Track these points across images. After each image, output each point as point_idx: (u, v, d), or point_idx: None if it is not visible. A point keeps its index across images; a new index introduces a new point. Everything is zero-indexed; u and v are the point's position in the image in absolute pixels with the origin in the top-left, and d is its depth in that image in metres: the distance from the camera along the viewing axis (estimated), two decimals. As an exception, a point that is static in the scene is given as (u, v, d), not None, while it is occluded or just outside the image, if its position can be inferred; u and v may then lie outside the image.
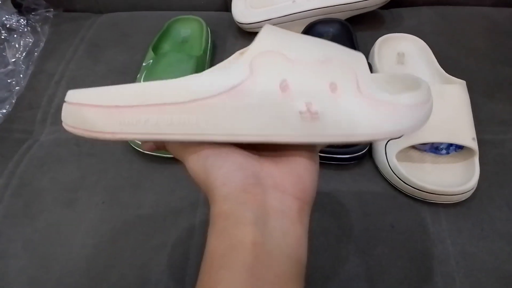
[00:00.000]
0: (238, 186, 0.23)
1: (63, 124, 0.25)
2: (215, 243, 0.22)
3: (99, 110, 0.24)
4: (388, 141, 0.46)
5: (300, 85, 0.23)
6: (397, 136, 0.24)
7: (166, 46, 0.59)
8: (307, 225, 0.24)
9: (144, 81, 0.50)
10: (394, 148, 0.45)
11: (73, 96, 0.25)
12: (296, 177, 0.25)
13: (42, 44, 0.62)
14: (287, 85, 0.23)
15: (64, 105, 0.25)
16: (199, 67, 0.51)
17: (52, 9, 0.66)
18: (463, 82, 0.49)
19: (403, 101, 0.24)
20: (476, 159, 0.45)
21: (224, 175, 0.24)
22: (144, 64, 0.54)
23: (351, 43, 0.57)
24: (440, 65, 0.54)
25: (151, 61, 0.53)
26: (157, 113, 0.24)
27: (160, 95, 0.24)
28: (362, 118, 0.23)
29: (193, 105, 0.23)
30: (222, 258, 0.22)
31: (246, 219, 0.22)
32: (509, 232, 0.43)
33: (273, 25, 0.26)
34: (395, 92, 0.25)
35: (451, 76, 0.51)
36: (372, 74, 0.28)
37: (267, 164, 0.25)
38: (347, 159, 0.47)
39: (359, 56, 0.26)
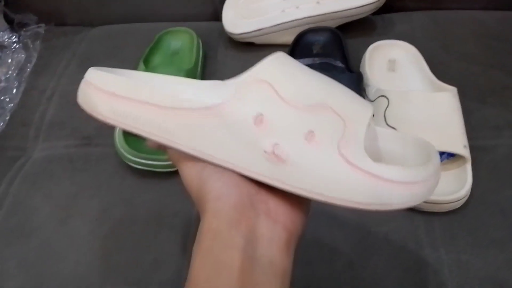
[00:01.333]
0: (232, 203, 0.23)
1: (77, 99, 0.27)
2: (200, 265, 0.22)
3: (99, 94, 0.26)
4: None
5: (275, 123, 0.23)
6: (373, 210, 0.22)
7: (157, 59, 0.59)
8: (292, 258, 0.24)
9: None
10: (386, 157, 0.45)
11: (89, 74, 0.27)
12: (289, 208, 0.24)
13: (34, 60, 0.62)
14: (262, 119, 0.23)
15: (82, 81, 0.27)
16: (190, 81, 0.51)
17: (43, 25, 0.66)
18: (454, 89, 0.49)
19: (387, 175, 0.21)
20: (469, 167, 0.45)
21: (220, 189, 0.23)
22: (135, 78, 0.54)
23: (342, 52, 0.57)
24: (432, 71, 0.54)
25: (142, 75, 0.53)
26: (143, 110, 0.24)
27: (149, 93, 0.24)
28: (332, 179, 0.21)
29: (172, 113, 0.24)
30: (207, 283, 0.21)
31: (235, 243, 0.22)
32: (503, 240, 0.42)
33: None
34: (393, 156, 0.23)
35: (443, 83, 0.51)
36: (380, 129, 0.26)
37: (263, 189, 0.25)
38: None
39: (365, 108, 0.24)
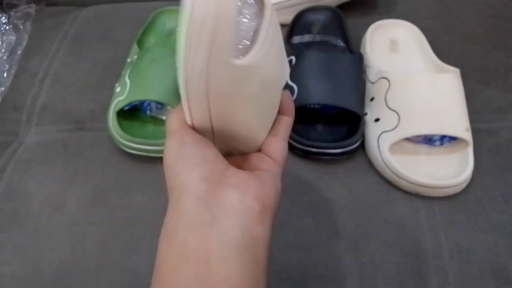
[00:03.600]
0: (200, 177, 0.23)
1: None
2: (166, 250, 0.22)
3: None
4: (380, 134, 0.45)
5: None
6: None
7: (151, 40, 0.57)
8: (269, 230, 0.24)
9: (129, 78, 0.49)
10: (387, 141, 0.44)
11: None
12: (260, 181, 0.25)
13: (25, 42, 0.60)
14: None
15: None
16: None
17: (33, 5, 0.64)
18: (457, 70, 0.47)
19: None
20: (470, 150, 0.44)
21: (190, 165, 0.24)
22: (128, 60, 0.53)
23: (342, 32, 0.55)
24: (435, 51, 0.52)
25: (136, 56, 0.51)
26: None
27: None
28: None
29: None
30: (173, 272, 0.21)
31: (203, 219, 0.22)
32: (503, 224, 0.42)
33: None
34: None
35: (445, 64, 0.49)
36: None
37: (233, 168, 0.25)
38: (340, 154, 0.46)
39: None
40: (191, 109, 0.25)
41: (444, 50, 0.53)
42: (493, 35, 0.57)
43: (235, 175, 0.25)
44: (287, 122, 0.29)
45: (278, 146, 0.28)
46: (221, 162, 0.25)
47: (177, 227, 0.22)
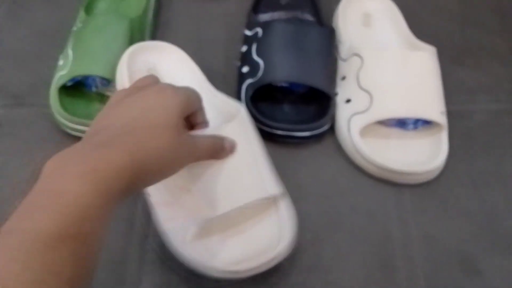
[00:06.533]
0: None
1: None
2: None
3: None
4: (351, 116, 0.42)
5: None
6: None
7: (101, 5, 0.51)
8: None
9: (72, 49, 0.43)
10: (358, 124, 0.41)
11: None
12: None
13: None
14: None
15: None
16: (136, 30, 0.44)
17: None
18: (433, 49, 0.44)
19: None
20: (445, 135, 0.42)
21: None
22: (74, 28, 0.46)
23: (313, 3, 0.51)
24: (409, 27, 0.49)
25: (81, 25, 0.45)
26: None
27: None
28: None
29: None
30: None
31: None
32: (473, 212, 0.40)
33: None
34: None
35: (420, 42, 0.46)
36: None
37: None
38: (308, 137, 0.42)
39: None
40: None
41: (418, 26, 0.50)
42: (467, 11, 0.55)
43: None
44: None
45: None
46: None
47: None
